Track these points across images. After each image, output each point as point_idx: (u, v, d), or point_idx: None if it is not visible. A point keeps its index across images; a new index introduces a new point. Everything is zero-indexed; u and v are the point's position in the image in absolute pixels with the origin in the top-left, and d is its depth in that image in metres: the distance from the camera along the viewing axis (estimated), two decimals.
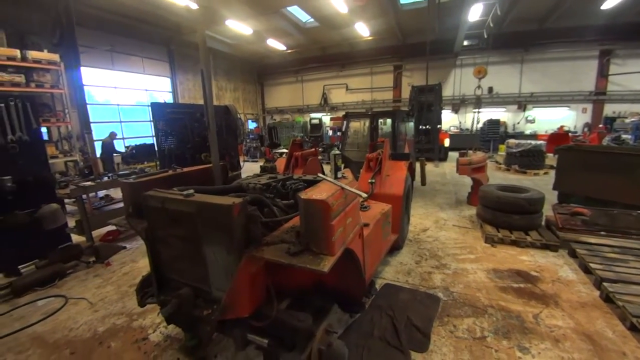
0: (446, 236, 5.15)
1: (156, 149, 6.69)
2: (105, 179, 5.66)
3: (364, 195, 2.01)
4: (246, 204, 1.79)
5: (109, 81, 13.30)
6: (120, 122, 13.84)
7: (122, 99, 13.95)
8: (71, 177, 6.54)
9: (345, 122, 7.82)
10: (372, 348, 2.55)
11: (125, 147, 11.00)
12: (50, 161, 9.01)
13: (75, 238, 5.11)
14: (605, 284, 3.28)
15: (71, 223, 5.16)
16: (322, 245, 1.67)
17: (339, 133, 15.53)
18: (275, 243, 1.79)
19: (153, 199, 2.03)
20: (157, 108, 6.37)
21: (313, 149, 5.58)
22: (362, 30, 15.72)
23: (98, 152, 9.93)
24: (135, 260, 4.62)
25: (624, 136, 11.06)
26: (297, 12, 14.34)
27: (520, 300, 3.32)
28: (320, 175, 2.43)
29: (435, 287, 3.62)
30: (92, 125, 11.96)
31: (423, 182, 6.96)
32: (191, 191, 1.91)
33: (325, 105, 21.40)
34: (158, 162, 7.88)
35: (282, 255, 1.65)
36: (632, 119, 12.87)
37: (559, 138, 12.83)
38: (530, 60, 16.15)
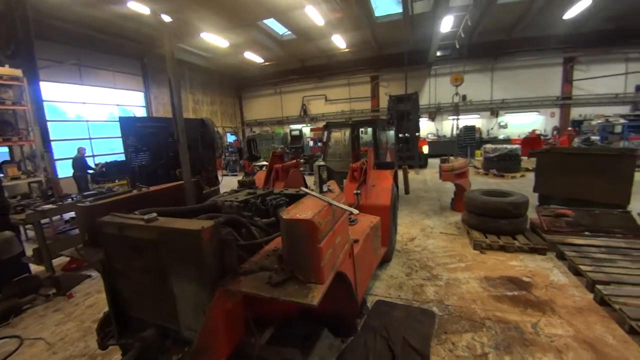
0: (434, 244, 5.03)
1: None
2: (69, 200, 5.19)
3: (356, 211, 1.81)
4: (219, 227, 1.54)
5: (78, 96, 12.64)
6: (90, 138, 13.13)
7: (93, 115, 13.28)
8: (33, 199, 5.98)
9: (326, 133, 7.68)
10: None
11: (95, 164, 10.37)
12: (12, 183, 8.35)
13: (35, 268, 4.61)
14: (598, 286, 3.22)
15: (30, 251, 4.65)
16: (310, 272, 1.44)
17: (320, 144, 15.43)
18: (255, 271, 1.55)
19: (109, 226, 1.74)
20: (127, 123, 6.00)
21: (294, 161, 5.36)
22: (339, 42, 15.90)
23: (70, 171, 9.35)
24: (101, 291, 4.13)
25: (592, 137, 11.56)
26: (274, 25, 14.31)
27: (516, 310, 3.19)
28: (304, 189, 2.21)
29: (429, 300, 3.44)
30: (60, 142, 11.37)
31: (407, 191, 6.88)
32: (154, 214, 1.63)
33: (305, 116, 21.35)
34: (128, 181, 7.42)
35: (263, 287, 1.41)
36: (599, 121, 13.56)
37: (532, 142, 13.30)
38: (500, 68, 16.83)
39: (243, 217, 2.06)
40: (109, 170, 9.76)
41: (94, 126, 13.34)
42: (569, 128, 15.04)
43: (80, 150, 9.61)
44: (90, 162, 10.66)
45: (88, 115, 13.11)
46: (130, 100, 15.11)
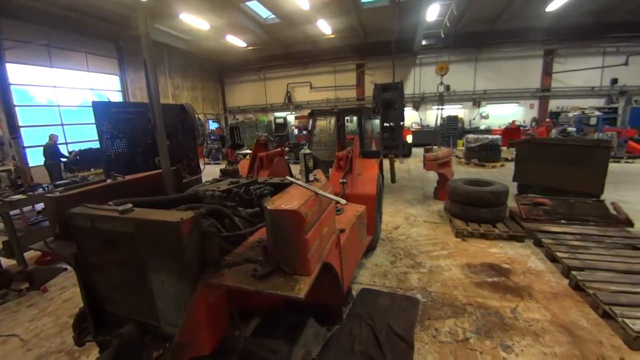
0: (418, 233, 5.10)
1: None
2: (40, 190, 4.92)
3: (343, 201, 1.77)
4: (199, 218, 1.46)
5: (47, 79, 11.86)
6: (62, 124, 12.43)
7: (65, 100, 12.53)
8: (1, 189, 5.63)
9: (311, 121, 7.58)
10: None
11: (69, 152, 9.85)
12: None
13: (5, 262, 4.37)
14: (573, 272, 3.35)
15: None
16: (296, 264, 1.40)
17: (304, 132, 15.28)
18: (238, 263, 1.49)
19: (81, 218, 1.62)
20: (101, 108, 5.66)
21: (279, 149, 5.25)
22: (325, 28, 15.58)
23: (41, 159, 8.83)
24: (77, 284, 4.00)
25: (569, 129, 11.96)
26: (257, 8, 13.83)
27: (496, 295, 3.29)
28: (289, 177, 2.15)
29: (412, 288, 3.50)
30: (30, 129, 10.67)
31: (393, 180, 6.92)
32: (129, 205, 1.53)
33: (289, 103, 21.02)
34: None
35: (248, 280, 1.35)
36: (575, 113, 14.02)
37: (512, 132, 13.64)
38: (483, 59, 17.04)
39: (226, 207, 1.98)
40: (83, 159, 9.30)
41: (66, 112, 12.60)
42: (547, 119, 15.51)
43: (52, 137, 9.09)
44: (63, 149, 10.11)
45: (60, 100, 12.34)
46: (105, 84, 14.34)
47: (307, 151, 2.08)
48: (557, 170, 5.84)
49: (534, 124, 16.46)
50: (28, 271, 4.10)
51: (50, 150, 8.82)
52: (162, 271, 1.46)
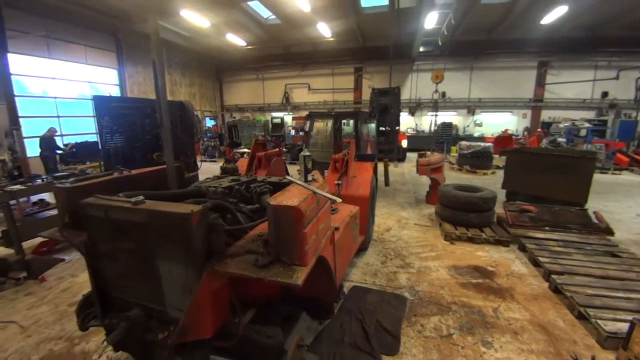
0: (409, 235, 5.27)
1: (100, 147, 6.04)
2: (39, 181, 4.97)
3: (339, 200, 1.91)
4: (207, 212, 1.59)
5: (45, 71, 11.81)
6: (58, 116, 12.39)
7: (61, 92, 12.48)
8: None
9: (309, 122, 7.72)
10: (343, 356, 2.46)
11: (64, 144, 9.85)
12: None
13: (2, 251, 4.43)
14: (553, 276, 3.54)
15: None
16: (294, 256, 1.54)
17: (301, 133, 15.42)
18: (241, 254, 1.62)
19: (94, 208, 1.74)
20: (101, 102, 5.76)
21: (277, 149, 5.39)
22: (324, 30, 15.75)
23: (36, 150, 8.82)
24: (75, 275, 4.08)
25: (559, 139, 12.28)
26: (258, 8, 13.94)
27: (480, 296, 3.46)
28: (289, 177, 2.28)
29: (401, 287, 3.65)
30: (23, 120, 10.62)
31: (387, 183, 7.09)
32: (141, 197, 1.66)
33: (287, 104, 21.13)
34: (102, 163, 7.14)
35: (250, 269, 1.49)
36: (565, 124, 14.40)
37: (503, 141, 13.94)
38: (479, 68, 17.37)
39: (228, 202, 2.11)
40: (80, 152, 9.33)
41: (62, 104, 12.58)
42: (539, 129, 15.88)
43: (51, 130, 9.11)
44: (59, 141, 10.11)
45: (56, 92, 12.30)
46: (103, 78, 14.30)
47: (307, 153, 2.22)
48: (544, 179, 6.05)
49: (526, 133, 16.82)
50: (26, 260, 4.17)
51: (47, 142, 8.82)
52: (171, 259, 1.59)
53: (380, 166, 7.16)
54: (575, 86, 15.85)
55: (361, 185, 4.14)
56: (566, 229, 4.88)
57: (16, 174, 5.69)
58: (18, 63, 10.78)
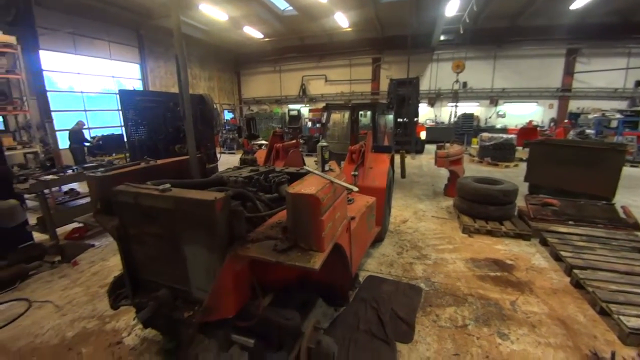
0: (425, 227, 5.24)
1: (125, 139, 6.29)
2: (70, 172, 5.26)
3: (355, 189, 1.95)
4: (229, 199, 1.67)
5: (71, 66, 12.35)
6: (85, 110, 12.96)
7: (86, 86, 13.02)
8: (31, 169, 6.03)
9: (325, 114, 7.73)
10: (358, 341, 2.53)
11: (91, 137, 10.33)
12: (8, 153, 8.27)
13: (38, 236, 4.74)
14: (575, 270, 3.45)
15: (32, 220, 4.76)
16: (312, 241, 1.60)
17: (318, 125, 15.43)
18: (261, 240, 1.70)
19: (124, 195, 1.86)
20: (126, 96, 5.97)
21: (295, 141, 5.46)
22: (342, 20, 15.55)
23: (65, 143, 9.31)
24: (105, 259, 4.34)
25: (587, 131, 11.72)
26: None
27: (497, 288, 3.43)
28: (306, 167, 2.34)
29: (417, 277, 3.67)
30: (53, 113, 11.19)
31: (403, 175, 7.04)
32: (168, 185, 1.76)
33: (304, 96, 21.15)
34: (128, 154, 7.43)
35: (270, 253, 1.56)
36: (595, 115, 13.68)
37: (528, 132, 13.43)
38: (502, 56, 16.70)
39: (249, 191, 2.19)
40: (106, 144, 9.75)
41: (88, 98, 13.13)
42: (566, 120, 15.17)
43: (80, 123, 9.59)
44: (86, 134, 10.61)
45: (82, 86, 12.85)
46: (126, 73, 14.80)
47: (324, 144, 2.26)
48: (570, 172, 5.83)
49: (552, 124, 16.13)
50: (60, 245, 4.46)
51: (76, 135, 9.28)
52: (196, 243, 1.69)
53: (397, 158, 7.11)
54: (606, 75, 14.98)
55: (378, 177, 4.15)
56: (591, 223, 4.71)
57: (48, 164, 6.03)
58: (47, 59, 11.31)
